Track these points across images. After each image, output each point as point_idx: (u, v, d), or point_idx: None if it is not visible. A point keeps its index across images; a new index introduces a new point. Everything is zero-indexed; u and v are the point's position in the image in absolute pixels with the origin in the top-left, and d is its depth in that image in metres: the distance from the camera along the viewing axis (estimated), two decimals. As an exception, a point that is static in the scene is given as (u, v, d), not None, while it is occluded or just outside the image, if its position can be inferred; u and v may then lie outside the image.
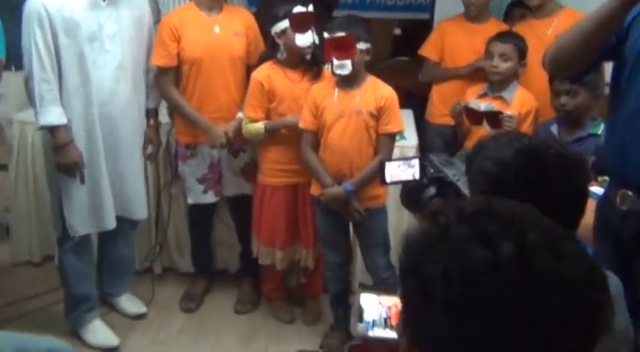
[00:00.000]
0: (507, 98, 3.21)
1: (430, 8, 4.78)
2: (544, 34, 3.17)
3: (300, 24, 2.95)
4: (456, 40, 3.65)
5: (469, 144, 3.19)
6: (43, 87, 2.76)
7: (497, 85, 3.25)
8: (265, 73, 3.06)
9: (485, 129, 3.10)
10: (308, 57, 3.03)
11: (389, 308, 1.46)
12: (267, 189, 3.18)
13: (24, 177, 3.64)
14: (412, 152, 3.38)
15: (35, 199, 3.67)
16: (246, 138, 3.16)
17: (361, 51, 2.83)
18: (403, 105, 3.69)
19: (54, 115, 2.80)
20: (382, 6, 5.38)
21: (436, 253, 0.80)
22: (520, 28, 3.46)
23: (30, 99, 2.85)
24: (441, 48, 3.71)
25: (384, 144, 2.90)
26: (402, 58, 5.04)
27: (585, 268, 0.79)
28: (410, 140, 3.48)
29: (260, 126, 3.05)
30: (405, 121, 3.10)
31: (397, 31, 6.99)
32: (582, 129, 2.96)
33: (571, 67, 2.15)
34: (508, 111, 3.09)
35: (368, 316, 1.48)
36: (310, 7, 2.99)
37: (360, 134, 2.87)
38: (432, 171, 2.02)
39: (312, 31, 2.96)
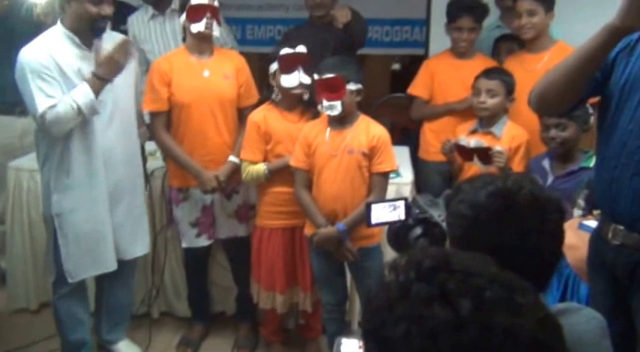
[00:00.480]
0: (497, 133, 3.21)
1: (425, 44, 4.81)
2: (533, 69, 3.17)
3: (286, 65, 2.97)
4: (445, 77, 3.66)
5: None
6: (52, 102, 2.73)
7: (487, 120, 3.25)
8: (261, 114, 3.07)
9: (476, 166, 3.10)
10: (306, 97, 3.04)
11: None
12: (265, 231, 3.16)
13: (19, 224, 3.64)
14: (408, 189, 3.37)
15: (31, 246, 3.66)
16: (246, 181, 3.14)
17: (351, 92, 2.83)
18: (400, 141, 3.69)
19: (82, 93, 2.76)
20: (379, 42, 5.44)
21: (397, 314, 0.83)
22: (510, 63, 3.48)
23: (58, 121, 2.78)
24: (430, 86, 3.72)
25: (377, 184, 2.88)
26: (399, 94, 5.06)
27: (539, 318, 0.83)
28: (405, 177, 3.46)
29: (262, 167, 3.05)
30: (400, 158, 3.07)
31: (396, 66, 7.06)
32: (574, 163, 2.96)
33: (557, 105, 2.14)
34: (498, 147, 3.08)
35: (349, 363, 1.46)
36: (300, 48, 3.01)
37: (353, 174, 2.86)
38: (417, 211, 2.02)
39: (299, 72, 2.97)
